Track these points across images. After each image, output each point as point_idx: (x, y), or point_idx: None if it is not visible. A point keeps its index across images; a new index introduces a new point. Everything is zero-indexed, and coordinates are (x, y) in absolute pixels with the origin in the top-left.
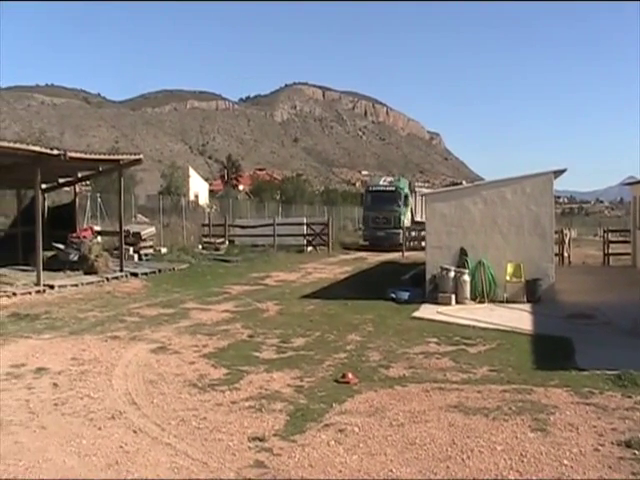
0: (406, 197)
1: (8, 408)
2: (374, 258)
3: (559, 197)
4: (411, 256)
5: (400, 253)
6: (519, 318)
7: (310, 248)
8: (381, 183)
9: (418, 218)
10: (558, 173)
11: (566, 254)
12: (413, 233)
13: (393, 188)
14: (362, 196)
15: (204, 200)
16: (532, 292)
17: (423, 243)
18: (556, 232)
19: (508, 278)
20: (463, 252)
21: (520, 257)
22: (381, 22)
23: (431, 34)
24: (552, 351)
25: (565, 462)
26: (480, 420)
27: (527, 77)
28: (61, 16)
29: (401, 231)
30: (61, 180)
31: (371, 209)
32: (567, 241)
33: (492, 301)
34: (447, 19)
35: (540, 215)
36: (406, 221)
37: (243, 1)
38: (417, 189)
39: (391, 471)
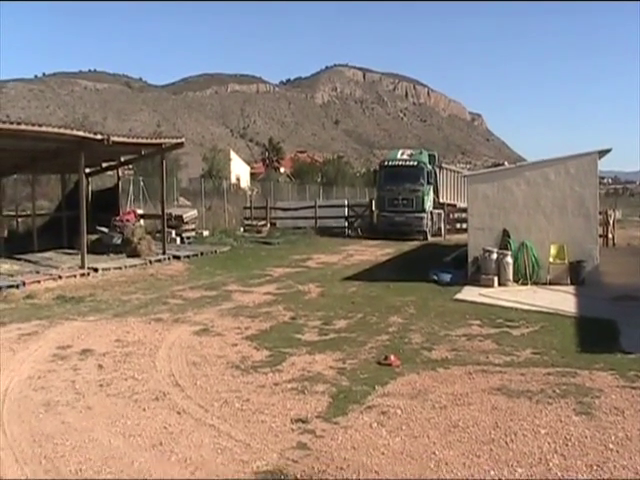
0: (429, 173)
1: (55, 389)
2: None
3: (603, 177)
4: (453, 238)
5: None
6: (563, 300)
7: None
8: (399, 157)
9: (446, 200)
10: (603, 153)
11: (610, 235)
12: (456, 215)
13: (414, 162)
14: (375, 173)
15: (245, 183)
16: (576, 274)
17: (461, 225)
18: (600, 213)
19: (551, 260)
20: (506, 234)
21: (564, 239)
22: (422, 4)
23: (472, 16)
24: (597, 334)
25: (610, 446)
26: (524, 403)
27: (569, 58)
28: (103, 3)
29: (425, 215)
30: (104, 164)
31: (387, 189)
32: (612, 222)
33: (535, 283)
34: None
35: (584, 196)
36: (429, 202)
37: None
38: (445, 165)
39: (434, 453)
